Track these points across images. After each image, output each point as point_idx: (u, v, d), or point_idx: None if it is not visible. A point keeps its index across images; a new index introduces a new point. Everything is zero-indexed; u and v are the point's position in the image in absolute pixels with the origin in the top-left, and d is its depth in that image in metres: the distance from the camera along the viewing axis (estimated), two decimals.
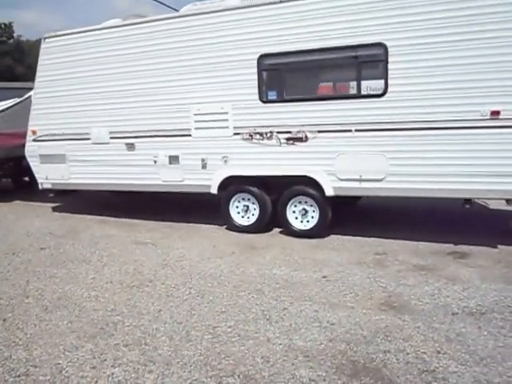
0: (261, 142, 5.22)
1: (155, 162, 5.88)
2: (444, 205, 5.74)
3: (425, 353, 2.74)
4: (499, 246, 4.57)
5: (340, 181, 4.86)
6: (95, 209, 7.01)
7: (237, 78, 5.24)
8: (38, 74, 6.61)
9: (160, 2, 15.46)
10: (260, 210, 5.37)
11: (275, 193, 5.35)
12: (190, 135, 5.63)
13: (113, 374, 2.59)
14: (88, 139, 6.33)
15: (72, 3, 60.15)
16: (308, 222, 5.15)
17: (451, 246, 4.64)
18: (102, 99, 6.12)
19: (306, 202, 5.15)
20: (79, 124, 6.34)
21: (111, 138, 6.17)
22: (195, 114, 5.55)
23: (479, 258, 4.28)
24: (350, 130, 4.73)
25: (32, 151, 6.81)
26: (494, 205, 5.84)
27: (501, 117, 4.08)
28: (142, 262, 4.51)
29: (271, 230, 5.50)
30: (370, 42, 4.54)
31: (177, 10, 6.82)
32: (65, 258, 4.72)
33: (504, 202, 4.56)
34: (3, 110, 8.00)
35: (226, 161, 5.45)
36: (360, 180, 4.75)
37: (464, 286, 3.67)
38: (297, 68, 5.11)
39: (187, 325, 3.15)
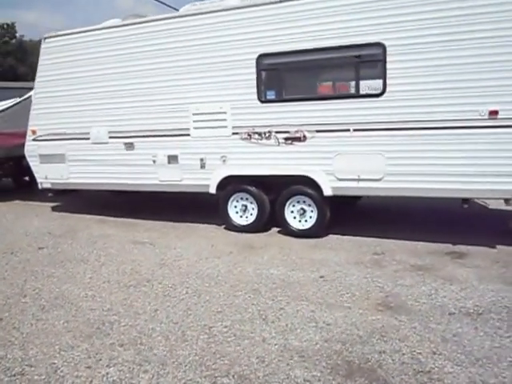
0: (259, 141, 5.22)
1: (154, 161, 5.89)
2: (443, 205, 5.73)
3: (420, 353, 2.73)
4: (498, 246, 4.55)
5: (338, 180, 4.85)
6: (94, 208, 7.02)
7: (235, 77, 5.25)
8: (38, 73, 6.62)
9: (161, 2, 15.49)
10: (258, 210, 5.36)
11: (273, 192, 5.34)
12: (188, 135, 5.63)
13: (107, 373, 2.59)
14: (87, 139, 6.34)
15: (74, 3, 60.34)
16: (306, 221, 5.14)
17: (449, 245, 4.63)
18: (102, 99, 6.13)
19: (304, 202, 5.14)
20: (79, 124, 6.36)
21: (110, 137, 6.18)
22: (194, 114, 5.56)
23: (477, 258, 4.27)
24: (349, 130, 4.73)
25: (32, 151, 6.83)
26: (493, 205, 5.82)
27: (499, 117, 4.07)
28: (139, 262, 4.51)
29: (269, 229, 5.49)
30: (368, 42, 4.54)
31: (177, 10, 6.82)
32: (63, 258, 4.73)
33: (503, 201, 4.55)
34: (3, 110, 8.02)
35: (224, 160, 5.45)
36: (358, 180, 4.74)
37: (461, 286, 3.65)
38: (295, 68, 5.11)
39: (183, 325, 3.15)
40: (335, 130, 4.79)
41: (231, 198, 5.53)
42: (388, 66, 4.46)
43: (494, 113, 4.08)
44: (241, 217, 5.52)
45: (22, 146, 6.90)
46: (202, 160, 5.57)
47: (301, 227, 5.16)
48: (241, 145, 5.31)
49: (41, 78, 6.59)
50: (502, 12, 3.97)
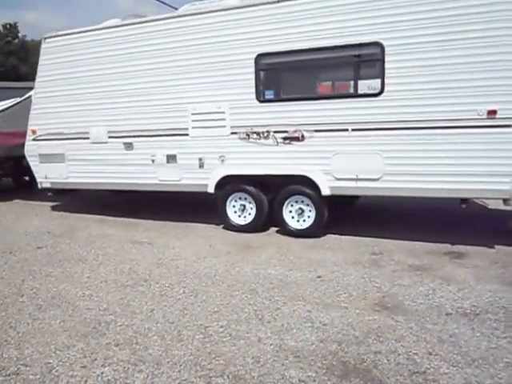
0: (258, 141, 5.21)
1: (153, 161, 5.89)
2: (442, 205, 5.71)
3: (416, 354, 2.72)
4: (496, 247, 4.54)
5: (336, 180, 4.84)
6: (94, 208, 7.03)
7: (234, 77, 5.24)
8: (38, 73, 6.64)
9: (162, 2, 15.49)
10: (257, 210, 5.36)
11: (272, 192, 5.34)
12: (187, 134, 5.63)
13: (102, 373, 2.59)
14: (87, 139, 6.35)
15: (76, 3, 60.49)
16: (304, 221, 5.14)
17: (448, 245, 4.62)
18: (101, 99, 6.14)
19: (302, 202, 5.14)
20: (78, 123, 6.37)
21: (109, 137, 6.18)
22: (193, 114, 5.56)
23: (475, 259, 4.26)
24: (347, 130, 4.71)
25: (31, 150, 6.84)
26: (493, 205, 5.81)
27: (497, 116, 4.05)
28: (137, 262, 4.51)
29: (268, 229, 5.49)
30: (366, 42, 4.53)
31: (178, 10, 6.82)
32: (61, 257, 4.73)
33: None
34: (4, 110, 8.04)
35: (223, 160, 5.45)
36: (356, 179, 4.73)
37: (459, 287, 3.64)
38: (294, 67, 5.10)
39: (179, 324, 3.15)
40: (333, 130, 4.78)
41: (230, 198, 5.52)
42: (386, 65, 4.44)
43: (492, 112, 4.06)
44: (239, 216, 5.52)
45: (22, 145, 6.92)
46: (200, 160, 5.57)
47: (299, 227, 5.15)
48: (239, 144, 5.30)
49: (41, 77, 6.60)
50: (499, 11, 3.95)
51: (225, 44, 5.25)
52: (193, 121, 5.57)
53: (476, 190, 4.29)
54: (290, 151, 5.04)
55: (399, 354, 2.72)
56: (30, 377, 2.57)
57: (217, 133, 5.43)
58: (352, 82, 4.74)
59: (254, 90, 5.15)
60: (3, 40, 31.73)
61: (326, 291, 3.65)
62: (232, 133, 5.34)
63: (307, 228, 5.10)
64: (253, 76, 5.13)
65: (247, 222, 5.46)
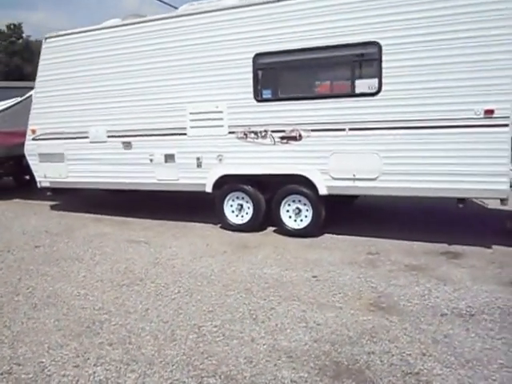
0: (255, 140, 5.20)
1: (151, 160, 5.90)
2: (440, 204, 5.69)
3: (410, 355, 2.71)
4: (494, 247, 4.52)
5: (333, 180, 4.83)
6: (93, 207, 7.04)
7: (232, 76, 5.24)
8: (38, 73, 6.66)
9: (163, 2, 15.52)
10: (254, 209, 5.35)
11: (269, 192, 5.33)
12: (185, 134, 5.63)
13: (94, 372, 2.58)
14: (86, 138, 6.36)
15: (81, 4, 60.63)
16: (301, 221, 5.13)
17: (445, 245, 4.60)
18: (101, 98, 6.15)
19: (299, 201, 5.13)
20: (78, 123, 6.38)
21: (108, 136, 6.19)
22: (191, 113, 5.56)
23: (472, 259, 4.24)
24: (344, 129, 4.70)
25: (31, 150, 6.86)
26: (492, 204, 5.78)
27: (495, 116, 4.03)
28: (134, 261, 4.51)
29: (265, 228, 5.48)
30: (364, 41, 4.52)
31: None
32: (58, 256, 4.74)
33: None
34: (4, 109, 8.06)
35: (220, 159, 5.45)
36: (353, 179, 4.72)
37: (455, 287, 3.62)
38: (291, 67, 5.09)
39: (173, 324, 3.15)
40: (331, 130, 4.77)
41: (227, 197, 5.52)
42: (384, 64, 4.43)
43: (489, 112, 4.04)
44: (236, 216, 5.51)
45: (23, 145, 6.95)
46: (198, 159, 5.57)
47: (296, 226, 5.14)
48: (237, 144, 5.30)
49: (41, 77, 6.62)
50: (497, 10, 3.93)
51: (223, 44, 5.25)
52: (191, 120, 5.57)
53: (473, 190, 4.27)
54: (287, 151, 5.03)
55: (393, 355, 2.71)
56: (23, 376, 2.57)
57: (215, 132, 5.43)
58: (349, 82, 4.72)
59: (251, 89, 5.14)
60: (7, 40, 31.84)
61: (321, 291, 3.64)
62: (230, 132, 5.34)
63: (304, 227, 5.09)
64: (251, 75, 5.13)
65: (244, 221, 5.45)
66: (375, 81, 4.51)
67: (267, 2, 4.95)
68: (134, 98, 5.89)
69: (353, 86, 4.68)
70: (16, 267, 4.44)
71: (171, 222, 6.06)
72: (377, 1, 4.42)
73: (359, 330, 3.01)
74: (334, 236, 5.10)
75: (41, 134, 6.72)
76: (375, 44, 4.43)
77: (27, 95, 7.85)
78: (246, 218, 5.44)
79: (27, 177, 8.84)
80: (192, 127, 5.56)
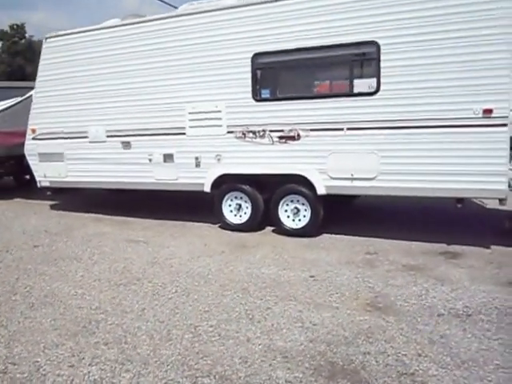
0: (254, 140, 5.20)
1: (150, 160, 5.90)
2: (439, 204, 5.67)
3: (405, 355, 2.70)
4: (492, 247, 4.50)
5: (332, 179, 4.82)
6: (93, 207, 7.06)
7: (231, 76, 5.24)
8: (38, 73, 6.68)
9: (164, 2, 15.55)
10: (252, 209, 5.35)
11: (268, 191, 5.33)
12: (184, 134, 5.63)
13: (89, 372, 2.58)
14: (85, 138, 6.37)
15: (83, 4, 60.79)
16: (300, 220, 5.12)
17: (444, 245, 4.59)
18: (100, 98, 6.16)
19: (298, 201, 5.12)
20: (77, 123, 6.39)
21: (108, 136, 6.20)
22: (190, 113, 5.56)
23: (471, 259, 4.22)
24: (342, 129, 4.69)
25: (31, 149, 6.88)
26: (491, 204, 5.75)
27: (493, 115, 4.02)
28: (132, 260, 4.52)
29: (264, 228, 5.48)
30: (362, 40, 4.51)
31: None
32: (56, 256, 4.75)
33: None
34: (5, 109, 8.08)
35: (219, 159, 5.44)
36: (352, 179, 4.71)
37: (452, 287, 3.61)
38: (290, 66, 5.08)
39: (169, 323, 3.14)
40: (329, 129, 4.76)
41: (226, 197, 5.52)
42: (382, 64, 4.42)
43: (488, 111, 4.02)
44: (235, 216, 5.51)
45: (23, 144, 6.96)
46: (197, 159, 5.57)
47: (294, 226, 5.14)
48: (235, 143, 5.29)
49: (41, 77, 6.63)
50: (495, 9, 3.92)
51: (222, 43, 5.24)
52: (190, 120, 5.56)
53: (471, 190, 4.26)
54: (285, 150, 5.02)
55: (388, 355, 2.69)
56: (18, 375, 2.58)
57: (213, 132, 5.42)
58: (348, 81, 4.71)
59: (250, 89, 5.14)
60: (10, 40, 31.95)
61: (318, 291, 3.63)
62: (228, 132, 5.34)
63: (302, 227, 5.09)
64: (249, 75, 5.13)
65: (243, 221, 5.45)
66: (373, 80, 4.50)
67: (266, 2, 4.95)
68: (133, 98, 5.90)
69: (351, 86, 4.67)
70: (14, 267, 4.45)
71: (170, 221, 6.06)
72: (375, 0, 4.41)
73: (355, 330, 3.00)
74: (333, 236, 5.09)
75: (41, 134, 6.74)
76: (373, 43, 4.42)
77: (27, 95, 7.87)
78: (245, 218, 5.44)
79: (27, 176, 8.87)
80: (191, 127, 5.56)
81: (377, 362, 2.64)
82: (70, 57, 6.32)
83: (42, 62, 6.60)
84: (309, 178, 4.91)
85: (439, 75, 4.20)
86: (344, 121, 4.66)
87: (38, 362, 2.71)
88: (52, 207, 7.42)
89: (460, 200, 4.52)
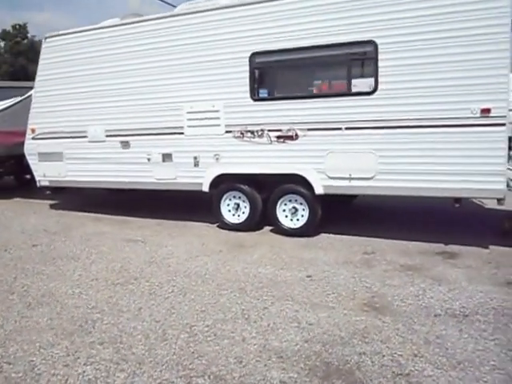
0: (252, 139, 5.19)
1: (149, 159, 5.90)
2: (438, 204, 5.64)
3: (401, 355, 2.69)
4: (491, 247, 4.48)
5: (330, 179, 4.81)
6: (93, 206, 7.07)
7: (229, 76, 5.23)
8: (38, 72, 6.69)
9: (166, 2, 15.57)
10: (250, 209, 5.35)
11: (266, 191, 5.33)
12: (182, 133, 5.63)
13: (84, 372, 2.58)
14: (85, 137, 6.38)
15: (85, 4, 60.87)
16: (298, 220, 5.11)
17: (441, 245, 4.57)
18: (99, 98, 6.16)
19: (296, 201, 5.12)
20: (77, 122, 6.40)
21: (107, 136, 6.20)
22: (188, 112, 5.55)
23: (469, 259, 4.21)
24: (340, 128, 4.68)
25: (31, 149, 6.89)
26: (490, 204, 5.73)
27: (491, 115, 4.00)
28: (129, 260, 4.52)
29: (262, 228, 5.48)
30: (360, 40, 4.50)
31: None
32: (55, 255, 4.75)
33: None
34: (5, 109, 8.09)
35: (217, 159, 5.44)
36: (349, 178, 4.70)
37: (450, 287, 3.60)
38: (287, 66, 5.08)
39: (165, 323, 3.14)
40: (327, 129, 4.75)
41: (224, 197, 5.52)
42: (380, 63, 4.41)
43: (486, 111, 4.00)
44: (233, 215, 5.51)
45: (23, 144, 6.97)
46: (195, 158, 5.57)
47: (292, 226, 5.13)
48: (233, 143, 5.29)
49: (41, 76, 6.65)
50: (492, 8, 3.90)
51: (219, 43, 5.24)
52: (188, 119, 5.56)
53: (469, 190, 4.24)
54: (283, 150, 5.02)
55: (384, 356, 2.69)
56: (13, 375, 2.58)
57: (211, 131, 5.42)
58: (345, 81, 4.69)
59: (248, 88, 5.13)
60: (13, 40, 32.03)
61: (315, 291, 3.63)
62: (226, 131, 5.33)
63: (301, 227, 5.08)
64: (247, 74, 5.12)
65: (241, 220, 5.45)
66: (371, 80, 4.48)
67: (263, 1, 4.94)
68: (131, 98, 5.90)
69: (349, 85, 4.65)
70: (12, 266, 4.46)
71: (169, 221, 6.07)
72: None
73: (351, 330, 2.99)
74: (331, 235, 5.09)
75: (40, 134, 6.75)
76: (371, 43, 4.41)
77: (27, 94, 7.88)
78: (243, 218, 5.43)
79: (28, 176, 8.89)
80: (189, 126, 5.56)
81: (372, 362, 2.63)
82: (70, 56, 6.32)
83: (41, 62, 6.61)
84: (307, 177, 4.90)
85: (437, 74, 4.19)
86: (342, 120, 4.65)
87: (33, 361, 2.71)
88: (52, 207, 7.43)
89: (458, 200, 4.50)
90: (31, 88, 8.03)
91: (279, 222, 5.20)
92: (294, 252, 4.59)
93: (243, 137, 5.23)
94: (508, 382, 2.44)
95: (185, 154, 5.62)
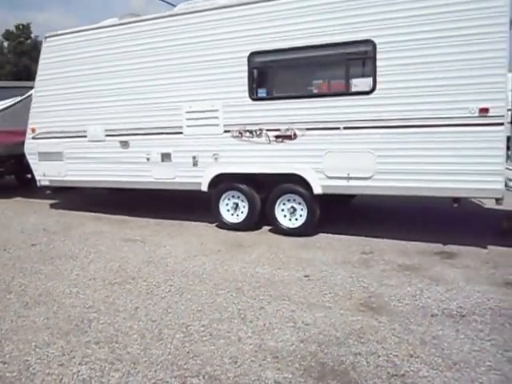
0: (250, 139, 5.19)
1: (148, 159, 5.91)
2: (437, 204, 5.63)
3: (397, 356, 2.67)
4: (489, 247, 4.46)
5: (328, 179, 4.80)
6: (93, 206, 7.08)
7: (227, 75, 5.23)
8: (38, 72, 6.70)
9: (167, 2, 15.57)
10: (249, 208, 5.34)
11: (264, 191, 5.32)
12: (181, 133, 5.63)
13: (79, 371, 2.58)
14: (84, 137, 6.39)
15: (88, 5, 60.97)
16: (296, 220, 5.11)
17: (440, 245, 4.56)
18: (98, 97, 6.18)
19: (294, 200, 5.11)
20: (76, 122, 6.41)
21: (106, 135, 6.21)
22: (187, 112, 5.55)
23: (467, 259, 4.19)
24: (339, 128, 4.67)
25: (31, 149, 6.91)
26: (489, 204, 5.70)
27: (489, 114, 3.98)
28: (127, 259, 4.52)
29: (261, 227, 5.47)
30: (358, 39, 4.48)
31: None
32: (53, 255, 4.76)
33: None
34: (5, 108, 8.11)
35: (216, 158, 5.44)
36: (348, 178, 4.69)
37: (447, 287, 3.58)
38: (286, 65, 5.07)
39: (161, 323, 3.14)
40: (325, 128, 4.74)
41: (223, 196, 5.51)
42: (378, 63, 4.40)
43: (484, 110, 3.98)
44: (232, 215, 5.51)
45: (24, 143, 6.99)
46: (194, 158, 5.57)
47: (291, 226, 5.12)
48: (232, 143, 5.29)
49: (41, 76, 6.66)
50: (490, 8, 3.88)
51: (218, 42, 5.24)
52: (187, 119, 5.56)
53: (468, 190, 4.22)
54: (282, 149, 5.01)
55: (379, 356, 2.67)
56: (7, 374, 2.58)
57: (210, 131, 5.42)
58: (344, 80, 4.68)
59: (247, 88, 5.13)
60: (16, 40, 32.13)
61: (311, 291, 3.62)
62: (225, 131, 5.33)
63: (299, 227, 5.08)
64: (246, 74, 5.12)
65: (240, 220, 5.44)
66: (370, 79, 4.47)
67: (262, 1, 4.93)
68: (131, 97, 5.91)
69: (347, 85, 4.64)
70: (11, 265, 4.47)
71: (168, 220, 6.07)
72: None
73: (347, 330, 2.98)
74: (329, 235, 5.08)
75: (40, 133, 6.76)
76: (369, 42, 4.40)
77: (27, 94, 7.90)
78: (242, 217, 5.43)
79: (29, 176, 8.92)
80: (188, 126, 5.56)
81: (367, 362, 2.62)
82: (70, 56, 6.34)
83: (41, 62, 6.63)
84: (305, 177, 4.89)
85: (435, 74, 4.17)
86: (340, 120, 4.64)
87: (28, 360, 2.71)
88: (52, 206, 7.45)
89: (456, 200, 4.49)
90: (31, 88, 8.07)
91: (278, 221, 5.19)
92: (292, 252, 4.59)
93: (242, 136, 5.22)
94: (504, 382, 2.43)
95: (184, 153, 5.62)
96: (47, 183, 6.90)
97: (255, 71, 5.15)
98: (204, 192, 5.55)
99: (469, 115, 4.06)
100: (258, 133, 5.12)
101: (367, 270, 4.01)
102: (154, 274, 4.11)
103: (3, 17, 46.70)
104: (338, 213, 5.78)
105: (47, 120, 6.65)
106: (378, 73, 4.40)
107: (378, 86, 4.43)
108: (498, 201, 4.20)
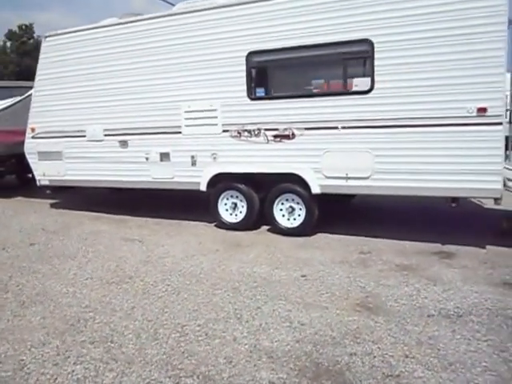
0: (249, 139, 5.18)
1: (147, 158, 5.91)
2: (436, 204, 5.60)
3: (392, 356, 2.66)
4: (488, 247, 4.45)
5: (326, 178, 4.79)
6: (93, 205, 7.09)
7: (226, 75, 5.22)
8: (38, 72, 6.71)
9: (167, 2, 15.57)
10: (247, 208, 5.34)
11: (263, 190, 5.31)
12: (180, 132, 5.63)
13: (73, 371, 2.58)
14: (84, 136, 6.40)
15: (90, 4, 61.09)
16: (295, 219, 5.10)
17: (438, 245, 4.54)
18: (98, 97, 6.18)
19: (293, 200, 5.10)
20: (76, 121, 6.42)
21: (105, 135, 6.22)
22: (186, 112, 5.55)
23: (465, 259, 4.17)
24: (337, 128, 4.65)
25: (31, 148, 6.92)
26: (489, 204, 5.67)
27: (488, 114, 3.96)
28: (125, 259, 4.52)
29: (259, 227, 5.46)
30: (356, 39, 4.47)
31: None
32: (52, 254, 4.77)
33: None
34: (6, 108, 8.13)
35: (215, 158, 5.43)
36: (346, 178, 4.67)
37: (444, 288, 3.57)
38: (284, 65, 5.07)
39: (157, 323, 3.14)
40: (323, 128, 4.72)
41: (221, 196, 5.51)
42: (376, 62, 4.38)
43: (482, 110, 3.96)
44: (230, 214, 5.50)
45: (24, 143, 6.99)
46: (193, 157, 5.57)
47: (289, 225, 5.12)
48: (231, 142, 5.28)
49: (40, 76, 6.67)
50: (489, 7, 3.86)
51: (217, 42, 5.23)
52: (185, 119, 5.56)
53: (466, 189, 4.21)
54: (280, 149, 5.00)
55: (374, 357, 2.67)
56: (2, 374, 2.58)
57: (209, 131, 5.42)
58: (342, 80, 4.67)
59: (245, 87, 5.12)
60: (19, 40, 32.20)
61: (308, 290, 3.61)
62: (224, 131, 5.32)
63: (297, 226, 5.07)
64: (244, 74, 5.11)
65: (238, 220, 5.44)
66: (368, 79, 4.45)
67: (260, 0, 4.92)
68: (130, 97, 5.91)
69: (345, 84, 4.63)
70: (9, 265, 4.48)
71: (167, 220, 6.07)
72: None
73: (343, 330, 2.97)
74: (328, 235, 5.06)
75: (40, 133, 6.77)
76: (367, 42, 4.38)
77: (27, 94, 7.91)
78: (240, 217, 5.42)
79: (29, 175, 8.93)
80: (186, 126, 5.56)
81: (363, 363, 2.61)
82: (69, 55, 6.34)
83: (41, 61, 6.63)
84: (303, 176, 4.88)
85: (433, 73, 4.15)
86: (338, 119, 4.63)
87: (23, 360, 2.71)
88: (52, 206, 7.46)
89: (455, 199, 4.47)
90: (32, 87, 8.08)
91: (276, 221, 5.19)
92: (291, 251, 4.58)
93: (240, 136, 5.22)
94: (500, 383, 2.42)
95: (182, 153, 5.62)
96: (47, 183, 6.91)
97: (253, 71, 5.14)
98: (203, 192, 5.55)
99: (467, 115, 4.04)
100: (256, 132, 5.12)
101: (365, 270, 3.99)
102: (151, 273, 4.11)
103: (6, 17, 46.85)
104: (337, 213, 5.76)
105: (47, 119, 6.66)
106: (376, 72, 4.39)
107: (376, 86, 4.41)
108: (497, 201, 4.18)
